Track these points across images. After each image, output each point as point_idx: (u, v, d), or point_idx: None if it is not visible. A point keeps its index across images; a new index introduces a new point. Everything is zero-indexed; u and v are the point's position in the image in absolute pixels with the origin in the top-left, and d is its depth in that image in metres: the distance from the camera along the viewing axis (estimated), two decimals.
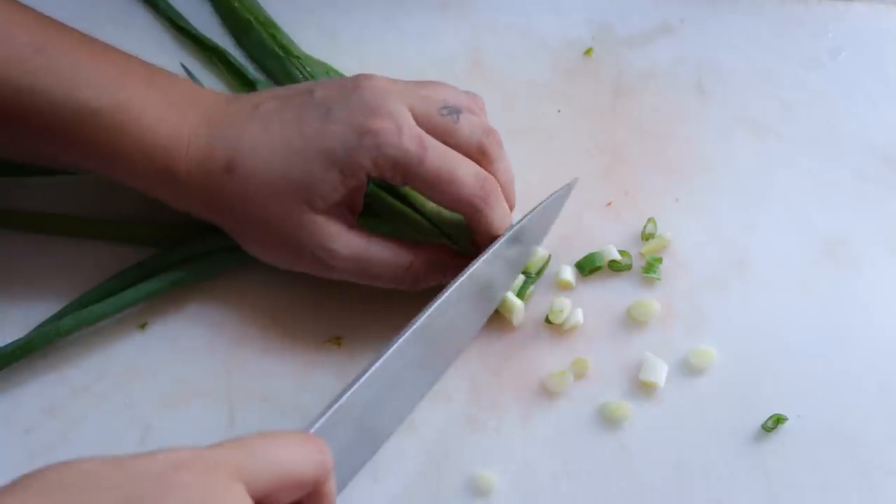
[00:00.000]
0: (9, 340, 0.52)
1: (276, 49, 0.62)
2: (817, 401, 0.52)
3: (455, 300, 0.49)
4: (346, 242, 0.50)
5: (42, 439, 0.51)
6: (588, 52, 0.63)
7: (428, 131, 0.49)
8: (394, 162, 0.48)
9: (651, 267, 0.55)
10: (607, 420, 0.51)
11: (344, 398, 0.43)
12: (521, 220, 0.52)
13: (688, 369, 0.52)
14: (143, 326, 0.54)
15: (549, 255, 0.55)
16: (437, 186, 0.49)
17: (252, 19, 0.63)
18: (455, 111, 0.50)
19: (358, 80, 0.50)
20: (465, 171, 0.49)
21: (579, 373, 0.52)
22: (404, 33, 0.64)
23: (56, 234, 0.56)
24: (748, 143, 0.60)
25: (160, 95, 0.50)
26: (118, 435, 0.51)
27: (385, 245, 0.51)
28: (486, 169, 0.51)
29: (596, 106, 0.61)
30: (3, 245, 0.56)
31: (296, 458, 0.37)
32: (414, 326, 0.47)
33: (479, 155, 0.51)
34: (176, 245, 0.55)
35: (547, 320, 0.53)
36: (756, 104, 0.62)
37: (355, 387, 0.44)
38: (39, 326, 0.52)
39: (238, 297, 0.54)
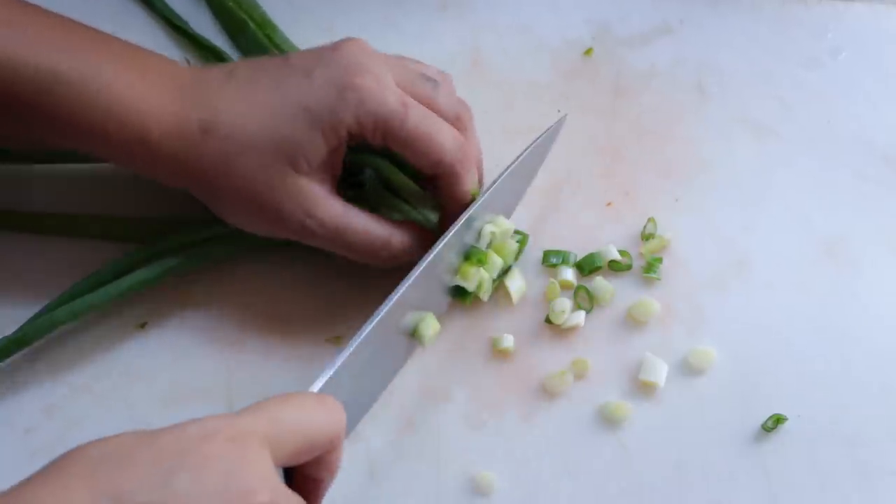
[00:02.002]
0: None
1: (273, 49, 0.62)
2: (817, 401, 0.52)
3: (451, 243, 0.50)
4: (328, 208, 0.50)
5: (42, 439, 0.51)
6: (588, 52, 0.63)
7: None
8: (375, 118, 0.48)
9: (651, 267, 0.55)
10: (607, 420, 0.51)
11: (339, 361, 0.44)
12: (513, 162, 0.53)
13: (688, 369, 0.52)
14: (142, 326, 0.54)
15: (527, 236, 0.55)
16: (417, 147, 0.49)
17: (247, 19, 0.63)
18: (432, 80, 0.51)
19: (338, 43, 0.51)
20: (445, 133, 0.50)
21: (579, 373, 0.52)
22: (404, 33, 0.64)
23: (52, 234, 0.56)
24: (748, 143, 0.60)
25: (131, 64, 0.50)
26: None
27: (365, 217, 0.51)
28: None
29: (596, 106, 0.61)
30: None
31: (317, 421, 0.39)
32: (415, 274, 0.48)
33: (456, 124, 0.51)
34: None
35: (547, 320, 0.53)
36: (756, 104, 0.62)
37: (348, 351, 0.44)
38: (32, 319, 0.52)
39: (238, 297, 0.54)
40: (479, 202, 0.51)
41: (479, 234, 0.52)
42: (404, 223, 0.52)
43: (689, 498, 0.49)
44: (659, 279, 0.55)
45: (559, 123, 0.57)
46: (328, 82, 0.48)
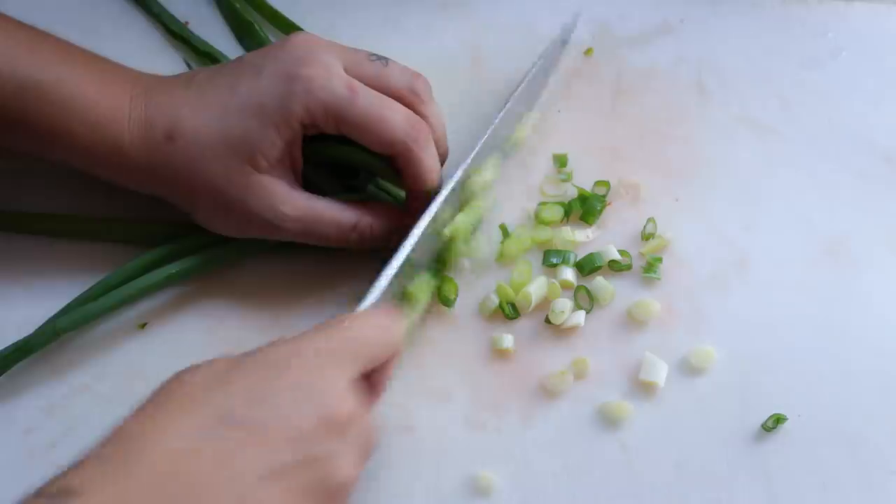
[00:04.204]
0: (8, 341, 0.51)
1: None
2: (818, 400, 0.51)
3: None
4: (293, 202, 0.50)
5: (42, 439, 0.51)
6: (588, 52, 0.63)
7: (359, 79, 0.50)
8: (325, 106, 0.49)
9: (651, 267, 0.55)
10: (607, 420, 0.51)
11: (383, 280, 0.46)
12: (516, 87, 0.55)
13: (688, 369, 0.52)
14: (142, 326, 0.54)
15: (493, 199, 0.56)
16: (368, 128, 0.50)
17: (254, 21, 0.63)
18: (383, 58, 0.52)
19: (287, 37, 0.52)
20: (395, 112, 0.50)
21: (579, 373, 0.52)
22: (404, 33, 0.64)
23: (55, 236, 0.56)
24: (748, 142, 0.60)
25: (98, 72, 0.51)
26: None
27: (330, 204, 0.52)
28: (417, 112, 0.52)
29: (596, 106, 0.61)
30: (2, 246, 0.56)
31: (383, 339, 0.43)
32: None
33: (411, 96, 0.52)
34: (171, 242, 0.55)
35: (547, 320, 0.53)
36: (756, 104, 0.62)
37: (391, 269, 0.47)
38: (38, 329, 0.52)
39: (238, 297, 0.54)
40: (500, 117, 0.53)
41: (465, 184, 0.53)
42: (370, 203, 0.53)
43: (689, 498, 0.49)
44: (659, 279, 0.55)
45: (571, 25, 0.59)
46: (276, 77, 0.49)
